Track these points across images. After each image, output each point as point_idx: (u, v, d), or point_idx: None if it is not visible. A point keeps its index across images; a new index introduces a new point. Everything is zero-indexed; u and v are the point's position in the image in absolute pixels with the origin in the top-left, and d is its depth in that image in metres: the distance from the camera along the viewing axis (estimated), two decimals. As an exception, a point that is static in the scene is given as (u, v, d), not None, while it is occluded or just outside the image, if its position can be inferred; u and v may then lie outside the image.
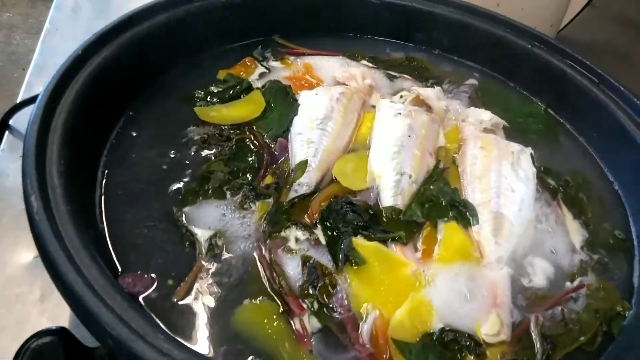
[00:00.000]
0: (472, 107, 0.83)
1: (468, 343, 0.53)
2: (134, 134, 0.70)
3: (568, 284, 0.62)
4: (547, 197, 0.71)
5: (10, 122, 0.80)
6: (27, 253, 0.65)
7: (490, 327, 0.55)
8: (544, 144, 0.81)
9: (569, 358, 0.55)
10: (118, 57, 0.70)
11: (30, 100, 0.76)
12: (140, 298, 0.52)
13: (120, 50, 0.70)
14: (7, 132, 0.80)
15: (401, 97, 0.83)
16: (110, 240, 0.57)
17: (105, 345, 0.43)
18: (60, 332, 0.48)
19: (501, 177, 0.69)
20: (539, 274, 0.62)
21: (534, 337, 0.55)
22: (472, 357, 0.52)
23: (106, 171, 0.64)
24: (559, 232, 0.67)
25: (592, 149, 0.82)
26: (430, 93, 0.81)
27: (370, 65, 0.90)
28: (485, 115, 0.79)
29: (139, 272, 0.54)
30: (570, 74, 0.84)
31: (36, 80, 0.93)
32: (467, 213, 0.66)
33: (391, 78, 0.89)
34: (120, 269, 0.54)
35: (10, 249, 0.67)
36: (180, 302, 0.53)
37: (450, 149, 0.76)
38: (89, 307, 0.43)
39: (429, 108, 0.79)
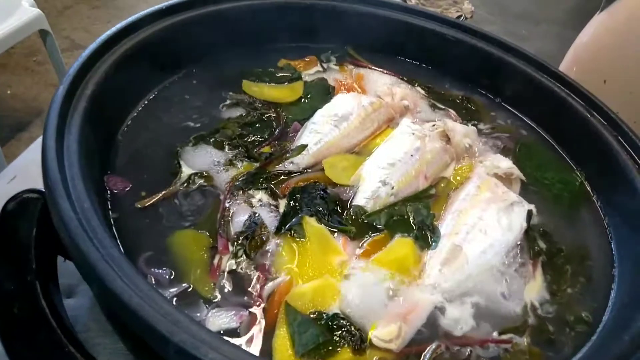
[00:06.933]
0: (497, 154, 0.82)
1: (353, 335, 0.55)
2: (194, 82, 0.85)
3: (495, 334, 0.59)
4: (526, 255, 0.68)
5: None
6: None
7: (386, 332, 0.56)
8: (560, 211, 0.76)
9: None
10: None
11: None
12: (114, 195, 0.64)
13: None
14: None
15: (433, 125, 0.85)
16: (120, 148, 0.70)
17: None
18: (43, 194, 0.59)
19: (480, 218, 0.69)
20: (471, 316, 0.61)
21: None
22: (349, 349, 0.54)
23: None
24: (518, 287, 0.64)
25: (611, 230, 0.75)
26: (458, 128, 0.82)
27: (422, 92, 0.94)
28: (503, 163, 0.78)
29: (122, 177, 0.66)
30: (623, 157, 0.78)
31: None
32: (430, 238, 0.67)
33: (434, 108, 0.91)
34: (111, 170, 0.67)
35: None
36: (140, 209, 0.63)
37: (454, 182, 0.77)
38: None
39: (449, 140, 0.81)
